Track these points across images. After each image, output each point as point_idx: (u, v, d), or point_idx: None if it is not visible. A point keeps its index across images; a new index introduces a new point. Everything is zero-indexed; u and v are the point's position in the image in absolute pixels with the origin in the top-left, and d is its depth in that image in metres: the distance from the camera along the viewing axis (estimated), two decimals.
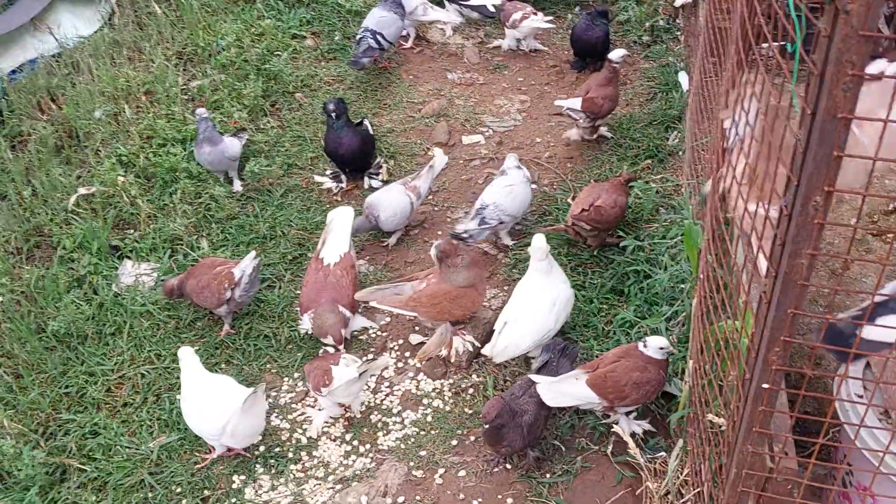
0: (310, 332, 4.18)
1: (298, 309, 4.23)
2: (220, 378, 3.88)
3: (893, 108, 1.56)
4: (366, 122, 5.26)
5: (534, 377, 3.61)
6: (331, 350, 4.10)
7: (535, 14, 6.00)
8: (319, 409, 3.95)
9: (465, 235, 4.43)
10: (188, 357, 3.81)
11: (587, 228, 4.41)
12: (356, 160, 5.10)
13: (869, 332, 2.03)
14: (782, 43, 1.92)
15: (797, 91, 1.81)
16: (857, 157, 1.64)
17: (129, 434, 3.92)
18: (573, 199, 4.86)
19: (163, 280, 4.48)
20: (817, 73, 1.63)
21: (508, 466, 3.64)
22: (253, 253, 4.30)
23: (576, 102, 5.08)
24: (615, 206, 4.39)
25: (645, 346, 3.45)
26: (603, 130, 5.30)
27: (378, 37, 5.72)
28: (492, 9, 6.19)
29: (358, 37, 5.82)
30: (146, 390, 4.09)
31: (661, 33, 6.22)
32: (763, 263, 1.92)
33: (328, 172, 5.25)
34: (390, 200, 4.62)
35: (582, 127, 5.20)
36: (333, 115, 4.93)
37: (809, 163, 1.71)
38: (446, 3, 6.36)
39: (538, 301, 3.85)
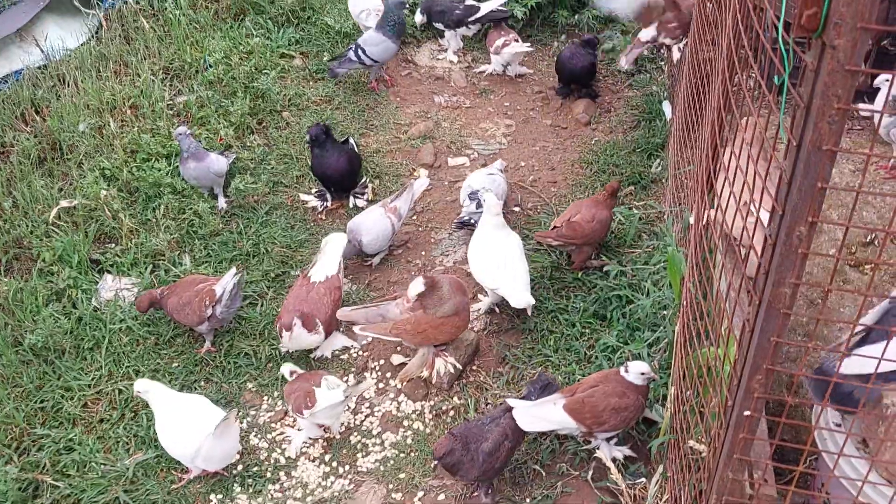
0: (286, 349, 4.18)
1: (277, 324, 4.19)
2: (193, 399, 3.83)
3: None
4: (351, 140, 5.28)
5: (510, 401, 3.61)
6: (297, 369, 4.02)
7: (517, 41, 6.07)
8: (298, 430, 3.92)
9: (471, 220, 4.67)
10: (148, 387, 3.74)
11: (555, 245, 4.46)
12: (343, 180, 5.13)
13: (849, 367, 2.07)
14: (769, 76, 1.95)
15: (783, 122, 1.84)
16: (841, 188, 1.67)
17: (105, 451, 3.87)
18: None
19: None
20: (804, 105, 1.67)
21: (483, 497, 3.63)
22: (234, 269, 4.28)
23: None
24: (592, 220, 4.39)
25: (626, 370, 3.46)
26: None
27: (360, 52, 5.77)
28: (502, 8, 6.25)
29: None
30: (123, 406, 4.05)
31: (645, 63, 6.30)
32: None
33: (314, 191, 5.25)
34: (371, 224, 4.64)
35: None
36: (315, 142, 4.97)
37: (794, 194, 1.74)
38: (446, 32, 6.42)
39: (513, 250, 4.28)
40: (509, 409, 3.53)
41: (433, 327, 3.95)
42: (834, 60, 1.57)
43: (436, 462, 3.41)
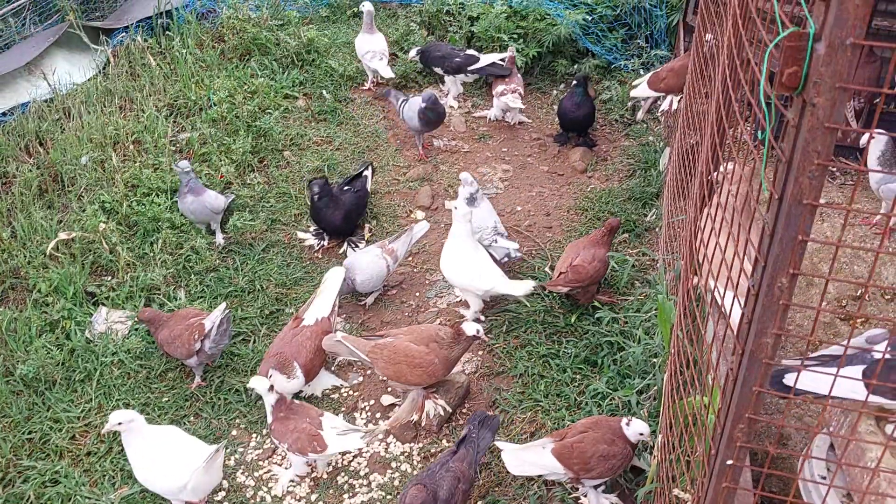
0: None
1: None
2: (167, 430, 3.74)
3: None
4: (366, 172, 5.38)
5: (499, 444, 3.61)
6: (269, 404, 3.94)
7: (514, 94, 6.17)
8: (286, 468, 3.90)
9: (517, 255, 4.85)
10: (130, 417, 3.57)
11: (565, 291, 4.47)
12: (338, 230, 5.21)
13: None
14: (755, 132, 2.01)
15: (766, 176, 1.89)
16: (820, 241, 1.71)
17: (91, 484, 3.85)
18: (550, 268, 4.94)
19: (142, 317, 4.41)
20: (785, 160, 1.71)
21: None
22: (223, 305, 4.29)
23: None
24: (594, 260, 4.45)
25: (627, 424, 3.43)
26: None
27: (401, 107, 5.97)
28: (502, 63, 6.36)
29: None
30: (111, 440, 4.03)
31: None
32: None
33: (312, 229, 5.30)
34: (366, 265, 4.68)
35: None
36: (316, 196, 5.04)
37: (776, 246, 1.78)
38: (446, 77, 6.54)
39: (485, 253, 4.64)
40: (454, 451, 3.51)
41: (410, 364, 3.92)
42: (814, 118, 1.62)
43: None
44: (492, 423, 3.68)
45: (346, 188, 5.25)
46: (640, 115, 6.20)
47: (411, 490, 3.30)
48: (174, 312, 4.38)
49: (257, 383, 3.77)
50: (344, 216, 5.12)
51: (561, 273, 4.48)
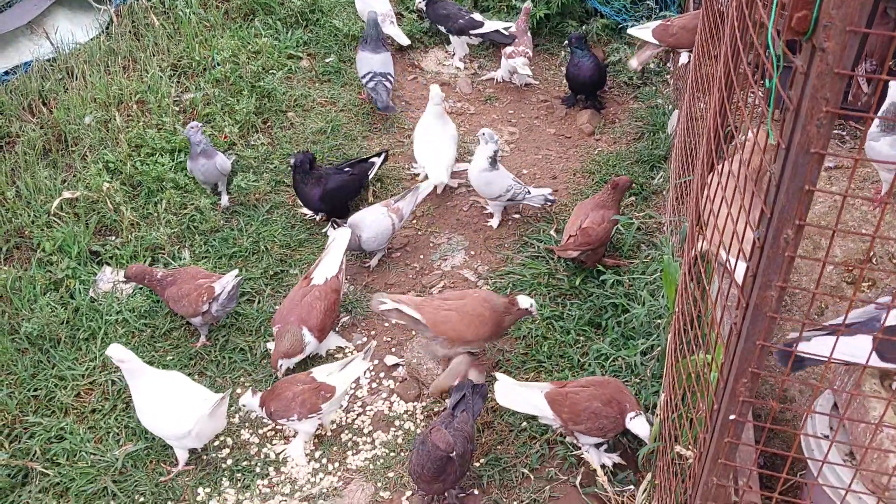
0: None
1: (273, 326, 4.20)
2: (172, 376, 3.77)
3: None
4: (375, 160, 5.19)
5: (498, 375, 3.69)
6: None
7: (524, 57, 6.08)
8: (294, 436, 3.89)
9: (552, 198, 4.97)
10: (124, 356, 3.63)
11: (576, 255, 4.44)
12: (314, 209, 5.04)
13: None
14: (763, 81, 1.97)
15: (773, 126, 1.85)
16: (828, 192, 1.68)
17: (96, 441, 3.88)
18: (556, 230, 4.91)
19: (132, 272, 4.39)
20: (793, 108, 1.67)
21: (476, 492, 3.62)
22: (236, 271, 4.29)
23: None
24: (603, 221, 4.42)
25: (630, 420, 3.41)
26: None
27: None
28: (505, 32, 6.27)
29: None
30: (115, 397, 4.06)
31: (651, 75, 6.32)
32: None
33: None
34: (372, 221, 4.65)
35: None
36: (292, 170, 4.93)
37: (782, 196, 1.74)
38: (452, 38, 6.45)
39: (445, 138, 5.24)
40: (452, 410, 3.54)
41: (460, 318, 3.86)
42: (823, 63, 1.57)
43: (444, 455, 3.23)
44: (482, 391, 3.73)
45: (345, 169, 5.06)
46: (633, 62, 5.94)
47: (435, 433, 3.27)
48: (178, 270, 4.38)
49: (246, 400, 3.80)
50: (322, 195, 4.90)
51: (571, 237, 4.43)
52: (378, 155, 5.25)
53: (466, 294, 4.05)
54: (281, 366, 4.02)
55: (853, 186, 4.59)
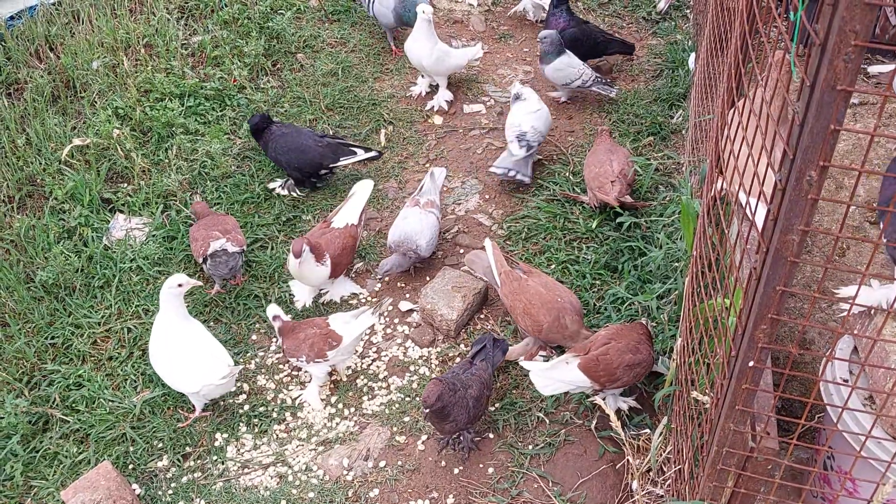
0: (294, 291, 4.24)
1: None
2: (194, 330, 3.74)
3: None
4: (360, 153, 4.78)
5: (524, 364, 3.61)
6: (281, 313, 3.92)
7: None
8: (308, 382, 3.90)
9: (516, 175, 4.66)
10: (173, 300, 3.67)
11: (630, 200, 4.38)
12: (283, 166, 4.79)
13: None
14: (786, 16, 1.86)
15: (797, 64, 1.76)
16: (854, 130, 1.59)
17: (113, 387, 3.91)
18: (572, 173, 4.82)
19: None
20: (819, 42, 1.58)
21: (492, 435, 3.63)
22: (222, 239, 4.16)
23: None
24: (627, 163, 4.45)
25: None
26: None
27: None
28: None
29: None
30: (132, 345, 4.08)
31: (670, 10, 6.13)
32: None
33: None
34: (420, 226, 4.28)
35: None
36: (255, 131, 4.77)
37: (805, 136, 1.66)
38: None
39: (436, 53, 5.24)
40: (471, 360, 3.58)
41: (532, 300, 3.76)
42: None
43: (426, 410, 3.30)
44: (503, 345, 3.73)
45: (321, 138, 4.74)
46: (661, 4, 5.87)
47: (429, 385, 3.33)
48: (216, 214, 4.35)
49: (271, 310, 3.82)
50: (277, 148, 4.70)
51: (612, 181, 4.32)
52: (368, 150, 4.83)
53: (554, 287, 3.85)
54: (296, 261, 3.96)
55: (879, 123, 4.45)
